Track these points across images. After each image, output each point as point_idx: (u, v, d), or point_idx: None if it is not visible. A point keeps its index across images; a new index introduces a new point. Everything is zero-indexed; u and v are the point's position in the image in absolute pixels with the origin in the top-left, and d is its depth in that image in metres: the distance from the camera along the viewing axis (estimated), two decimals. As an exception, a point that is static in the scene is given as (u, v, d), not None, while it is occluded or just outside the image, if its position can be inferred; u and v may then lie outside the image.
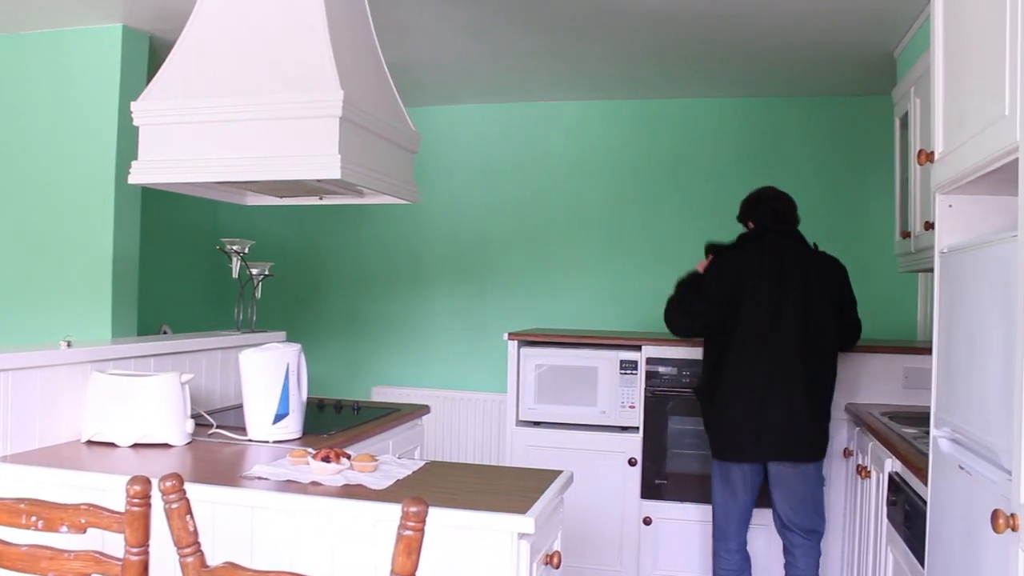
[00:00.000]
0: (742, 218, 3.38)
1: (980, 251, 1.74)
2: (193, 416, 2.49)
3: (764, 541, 3.66)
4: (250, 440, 2.50)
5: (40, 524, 1.44)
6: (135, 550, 1.39)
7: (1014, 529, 1.40)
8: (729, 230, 4.83)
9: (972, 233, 1.92)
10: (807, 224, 4.80)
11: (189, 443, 2.43)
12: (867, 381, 3.66)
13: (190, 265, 5.24)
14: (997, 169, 1.60)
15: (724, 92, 4.80)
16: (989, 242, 1.68)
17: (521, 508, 1.80)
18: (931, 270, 2.18)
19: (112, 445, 2.37)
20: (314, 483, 1.97)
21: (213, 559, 1.36)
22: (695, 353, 3.83)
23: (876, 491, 2.92)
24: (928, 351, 2.13)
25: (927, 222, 2.96)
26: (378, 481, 1.99)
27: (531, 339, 4.04)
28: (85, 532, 1.44)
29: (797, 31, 3.69)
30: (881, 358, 3.66)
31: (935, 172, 2.02)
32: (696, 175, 4.93)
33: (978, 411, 1.72)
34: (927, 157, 2.06)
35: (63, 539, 1.46)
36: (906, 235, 3.49)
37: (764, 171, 4.85)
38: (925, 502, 2.10)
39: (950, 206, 1.97)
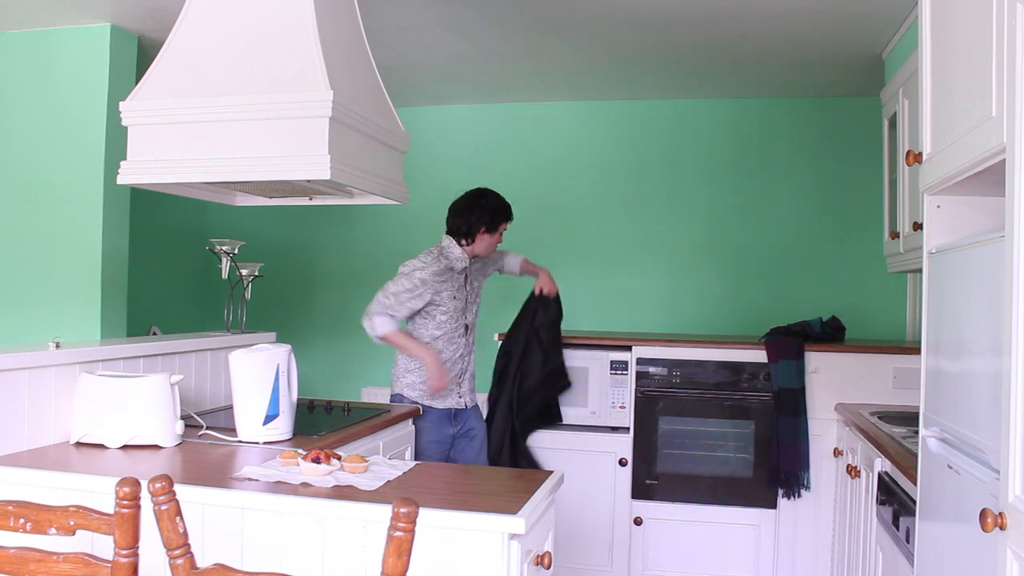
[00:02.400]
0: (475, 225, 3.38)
1: (968, 251, 1.75)
2: (183, 417, 2.48)
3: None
4: (240, 441, 2.49)
5: (28, 526, 1.43)
6: (124, 552, 1.39)
7: (1002, 528, 1.41)
8: (718, 230, 4.88)
9: (960, 233, 1.93)
10: (797, 224, 4.85)
11: (179, 444, 2.42)
12: (857, 381, 3.68)
13: (180, 266, 5.22)
14: (985, 170, 1.61)
15: (713, 93, 4.82)
16: (977, 242, 1.69)
17: (512, 509, 1.80)
18: (920, 270, 2.19)
19: (101, 447, 2.35)
20: (304, 484, 1.97)
21: (203, 561, 1.35)
22: (686, 354, 3.85)
23: (866, 490, 2.93)
24: (917, 351, 2.14)
25: (916, 223, 2.97)
26: (368, 482, 1.99)
27: (522, 340, 4.03)
28: (74, 534, 1.43)
29: (786, 32, 3.70)
30: (871, 358, 3.68)
31: (923, 173, 2.03)
32: (685, 175, 4.94)
33: (966, 411, 1.73)
34: (915, 158, 2.07)
35: (52, 541, 1.45)
36: (895, 236, 3.51)
37: (753, 171, 4.87)
38: (914, 501, 2.11)
39: (938, 207, 1.98)
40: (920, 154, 2.05)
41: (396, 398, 3.40)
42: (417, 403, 3.32)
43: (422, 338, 3.36)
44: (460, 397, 3.46)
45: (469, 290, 3.46)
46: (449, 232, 3.41)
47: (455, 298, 3.38)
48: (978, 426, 1.63)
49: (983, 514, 1.42)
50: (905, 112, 3.28)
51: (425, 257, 3.32)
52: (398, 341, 3.32)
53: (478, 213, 3.36)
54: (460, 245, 3.36)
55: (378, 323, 3.27)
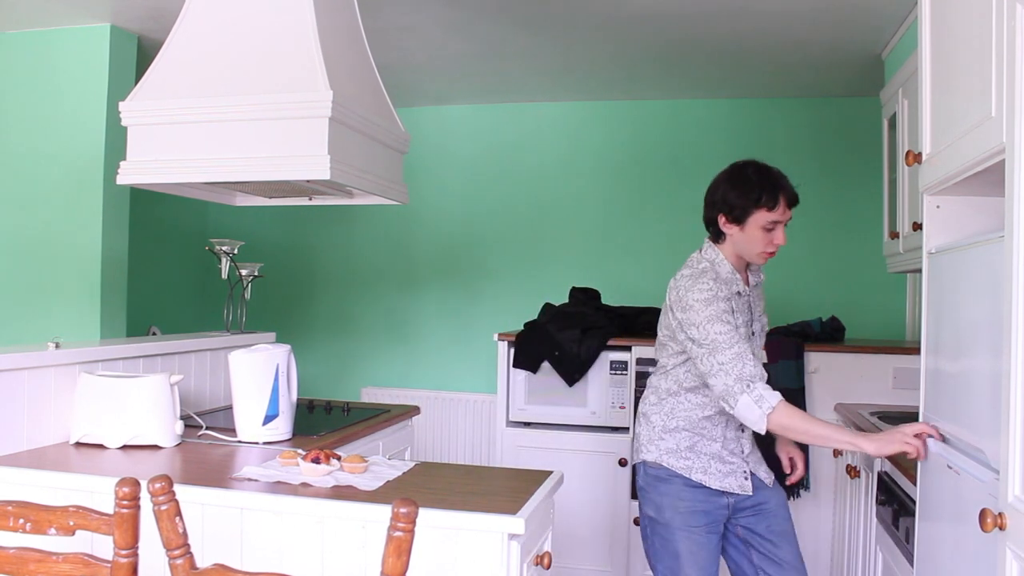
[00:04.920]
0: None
1: (967, 252, 1.75)
2: (182, 417, 2.48)
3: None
4: (240, 441, 2.49)
5: (28, 526, 1.43)
6: (124, 552, 1.39)
7: (1001, 528, 1.41)
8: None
9: (960, 234, 1.93)
10: (796, 224, 4.84)
11: (178, 444, 2.42)
12: (856, 381, 3.68)
13: (179, 266, 5.22)
14: (984, 170, 1.61)
15: (713, 93, 4.82)
16: (976, 243, 1.69)
17: (511, 509, 1.80)
18: (919, 270, 2.19)
19: (101, 447, 2.36)
20: (304, 484, 1.97)
21: (203, 561, 1.35)
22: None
23: (865, 491, 2.93)
24: (917, 351, 2.14)
25: (915, 223, 2.97)
26: (368, 482, 1.99)
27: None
28: (74, 534, 1.43)
29: (785, 32, 3.70)
30: (870, 358, 3.68)
31: (923, 173, 2.03)
32: (685, 175, 4.93)
33: (966, 411, 1.73)
34: (915, 158, 2.07)
35: (51, 541, 1.45)
36: (894, 236, 3.51)
37: (753, 172, 4.87)
38: (914, 501, 2.11)
39: (938, 207, 1.98)
40: (920, 154, 2.05)
41: (652, 468, 2.33)
42: (683, 476, 2.29)
43: (681, 385, 2.33)
44: (746, 477, 2.33)
45: (753, 318, 2.44)
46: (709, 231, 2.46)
47: (738, 329, 2.27)
48: (977, 426, 1.63)
49: (983, 514, 1.42)
50: (905, 112, 3.28)
51: (701, 278, 2.29)
52: (795, 426, 2.13)
53: (716, 194, 2.42)
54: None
55: (767, 398, 2.11)
